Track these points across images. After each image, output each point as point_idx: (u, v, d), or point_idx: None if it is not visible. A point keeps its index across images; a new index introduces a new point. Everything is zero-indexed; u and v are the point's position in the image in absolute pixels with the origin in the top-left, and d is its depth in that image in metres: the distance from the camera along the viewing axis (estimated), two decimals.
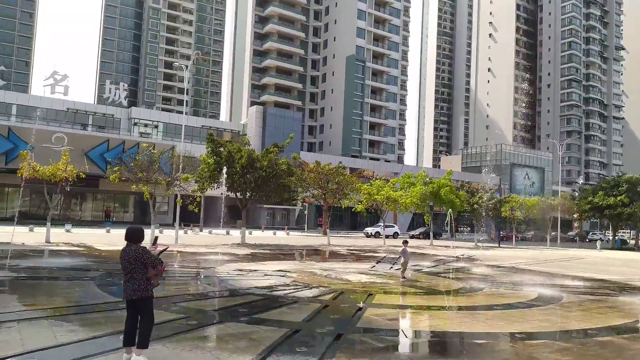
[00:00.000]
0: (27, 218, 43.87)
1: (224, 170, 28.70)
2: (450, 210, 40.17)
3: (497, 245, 44.57)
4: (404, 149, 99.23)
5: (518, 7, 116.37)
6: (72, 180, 25.37)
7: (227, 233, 41.18)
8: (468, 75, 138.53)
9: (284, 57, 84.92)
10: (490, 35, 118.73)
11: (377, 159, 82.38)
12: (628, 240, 61.48)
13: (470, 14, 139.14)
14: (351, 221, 69.65)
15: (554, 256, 31.68)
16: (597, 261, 28.71)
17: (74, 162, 27.00)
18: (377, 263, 20.80)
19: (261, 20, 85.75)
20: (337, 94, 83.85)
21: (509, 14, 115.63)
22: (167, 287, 12.89)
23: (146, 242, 6.03)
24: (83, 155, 47.83)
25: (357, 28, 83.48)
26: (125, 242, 5.99)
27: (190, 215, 41.04)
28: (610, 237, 57.24)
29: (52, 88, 60.01)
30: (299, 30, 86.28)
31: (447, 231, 58.30)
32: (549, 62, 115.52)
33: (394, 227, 52.98)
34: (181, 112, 46.60)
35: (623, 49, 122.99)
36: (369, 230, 50.81)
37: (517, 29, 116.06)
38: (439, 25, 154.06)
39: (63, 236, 28.89)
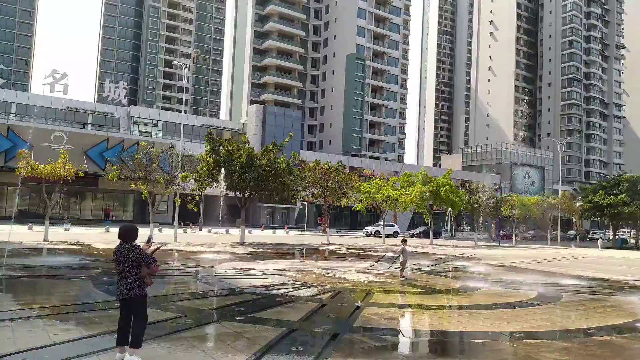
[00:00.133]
0: (27, 217, 43.87)
1: (222, 171, 28.57)
2: (450, 209, 40.09)
3: (497, 244, 44.50)
4: (404, 148, 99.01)
5: (519, 5, 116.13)
6: (70, 178, 25.29)
7: (227, 232, 41.11)
8: (468, 74, 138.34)
9: (284, 55, 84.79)
10: (490, 33, 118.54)
11: (377, 158, 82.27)
12: (628, 239, 61.42)
13: (470, 13, 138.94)
14: (351, 220, 69.58)
15: (554, 255, 31.60)
16: (597, 260, 28.64)
17: (74, 161, 26.92)
18: (376, 262, 20.72)
19: (261, 19, 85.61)
20: (337, 92, 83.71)
21: (509, 12, 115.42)
22: (164, 285, 12.84)
23: (142, 242, 5.96)
24: (82, 154, 47.76)
25: (358, 26, 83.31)
26: (119, 241, 5.92)
27: (190, 214, 40.97)
28: (611, 236, 57.15)
29: (51, 87, 59.91)
30: (299, 29, 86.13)
31: (447, 230, 58.23)
32: (550, 60, 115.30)
33: (394, 226, 52.93)
34: (181, 111, 46.49)
35: (624, 47, 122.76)
36: (369, 229, 50.79)
37: (518, 28, 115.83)
38: (439, 24, 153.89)
39: (62, 235, 28.83)
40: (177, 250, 22.53)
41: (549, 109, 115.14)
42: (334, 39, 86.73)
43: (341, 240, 38.99)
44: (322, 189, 42.35)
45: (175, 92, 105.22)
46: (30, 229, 32.44)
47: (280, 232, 47.36)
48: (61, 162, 25.04)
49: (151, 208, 28.87)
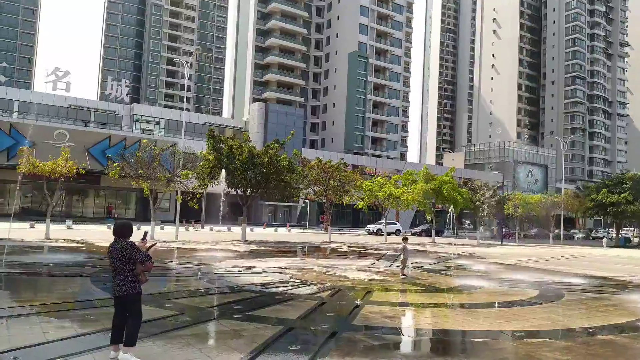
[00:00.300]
0: (29, 214, 43.96)
1: (223, 172, 28.50)
2: (452, 207, 39.94)
3: (499, 242, 44.35)
4: (406, 146, 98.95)
5: (522, 3, 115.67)
6: (71, 176, 25.28)
7: (229, 230, 41.10)
8: (471, 72, 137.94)
9: (286, 53, 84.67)
10: (494, 31, 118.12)
11: (380, 156, 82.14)
12: (632, 238, 61.17)
13: (474, 11, 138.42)
14: (353, 218, 69.49)
15: (556, 254, 31.46)
16: (599, 259, 28.50)
17: (76, 159, 26.92)
18: (377, 260, 20.62)
19: (263, 17, 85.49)
20: (339, 90, 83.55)
21: (513, 10, 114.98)
22: (163, 283, 12.79)
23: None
24: (85, 152, 47.81)
25: (360, 24, 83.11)
26: (114, 238, 5.86)
27: (191, 212, 40.88)
28: (614, 235, 56.94)
29: (53, 84, 59.99)
30: (301, 27, 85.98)
31: (449, 229, 58.08)
32: (553, 58, 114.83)
33: (396, 224, 52.79)
34: (183, 109, 46.47)
35: (628, 45, 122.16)
36: (371, 227, 50.68)
37: (521, 26, 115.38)
38: (442, 21, 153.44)
39: (63, 232, 28.83)
40: (177, 248, 22.52)
41: (552, 107, 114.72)
42: (337, 36, 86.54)
43: (343, 238, 38.92)
44: (324, 187, 42.27)
45: (177, 90, 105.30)
46: (32, 226, 32.47)
47: (282, 230, 47.30)
48: (62, 160, 25.04)
49: (152, 206, 28.84)
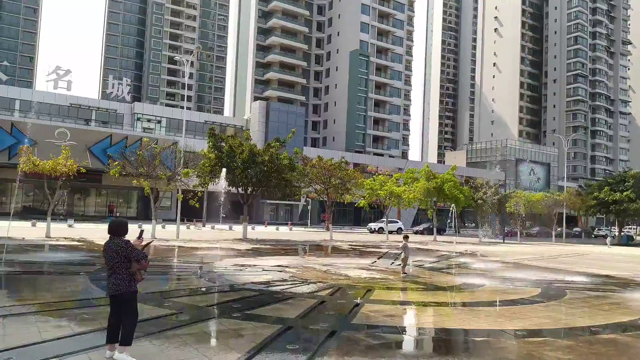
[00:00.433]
0: (31, 213, 43.96)
1: (223, 171, 28.41)
2: (454, 205, 39.78)
3: (501, 241, 44.22)
4: (408, 145, 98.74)
5: (524, 1, 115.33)
6: (72, 175, 25.24)
7: (230, 228, 41.07)
8: (473, 70, 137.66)
9: (287, 52, 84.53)
10: (495, 29, 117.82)
11: (381, 155, 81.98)
12: (634, 236, 60.98)
13: (475, 9, 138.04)
14: (355, 217, 69.39)
15: (558, 252, 31.34)
16: (602, 257, 28.38)
17: (77, 157, 26.88)
18: (378, 259, 20.53)
19: (265, 15, 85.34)
20: (340, 89, 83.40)
21: (514, 8, 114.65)
22: (162, 282, 12.73)
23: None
24: (86, 151, 47.82)
25: (361, 22, 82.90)
26: (109, 236, 5.79)
27: (193, 211, 40.93)
28: (616, 233, 56.77)
29: (55, 83, 59.96)
30: (302, 25, 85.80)
31: (451, 227, 57.94)
32: (555, 57, 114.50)
33: (397, 222, 52.70)
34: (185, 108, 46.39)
35: (630, 43, 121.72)
36: (373, 225, 50.61)
37: (523, 24, 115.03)
38: (444, 19, 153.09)
39: (65, 231, 28.80)
40: (178, 247, 22.47)
41: (554, 106, 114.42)
42: (338, 35, 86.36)
43: (344, 236, 38.85)
44: (325, 185, 42.18)
45: (179, 89, 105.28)
46: (33, 225, 32.45)
47: (284, 229, 47.24)
48: (63, 159, 25.00)
49: (153, 204, 28.79)
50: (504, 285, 14.08)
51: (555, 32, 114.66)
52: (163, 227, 36.97)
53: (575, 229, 71.14)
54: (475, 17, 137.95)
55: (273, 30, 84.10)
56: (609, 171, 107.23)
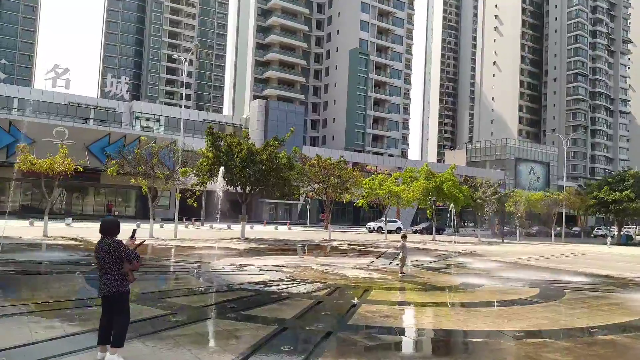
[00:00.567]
0: (30, 212, 43.83)
1: (221, 170, 28.29)
2: (453, 205, 39.69)
3: (500, 240, 44.15)
4: (407, 144, 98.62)
5: (524, 0, 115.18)
6: (69, 173, 25.13)
7: (229, 227, 40.96)
8: (473, 69, 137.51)
9: (286, 50, 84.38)
10: (495, 28, 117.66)
11: (381, 154, 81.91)
12: (634, 236, 60.92)
13: (475, 7, 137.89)
14: (354, 216, 69.33)
15: (558, 251, 31.27)
16: (601, 257, 28.30)
17: (75, 156, 26.78)
18: (376, 258, 20.48)
19: (264, 13, 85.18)
20: (340, 87, 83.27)
21: (514, 7, 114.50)
22: (157, 282, 12.65)
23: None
24: (84, 149, 47.72)
25: (361, 21, 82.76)
26: (100, 236, 5.69)
27: (191, 210, 40.78)
28: (616, 233, 56.71)
29: (53, 81, 59.81)
30: (302, 24, 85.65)
31: (450, 226, 57.87)
32: (555, 55, 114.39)
33: (396, 222, 52.58)
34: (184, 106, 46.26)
35: (630, 42, 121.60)
36: (372, 225, 50.53)
37: (523, 22, 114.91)
38: (444, 18, 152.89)
39: (62, 230, 28.69)
40: (176, 246, 22.38)
41: (554, 105, 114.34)
42: (337, 33, 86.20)
43: (343, 236, 38.77)
44: (324, 184, 42.08)
45: (178, 88, 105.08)
46: (31, 224, 32.33)
47: (283, 228, 47.15)
48: (60, 157, 24.88)
49: (151, 203, 28.69)
50: (503, 285, 14.00)
51: (556, 31, 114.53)
52: (161, 226, 36.88)
53: (575, 228, 71.09)
54: (475, 15, 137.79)
55: (272, 29, 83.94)
56: (608, 170, 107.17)
